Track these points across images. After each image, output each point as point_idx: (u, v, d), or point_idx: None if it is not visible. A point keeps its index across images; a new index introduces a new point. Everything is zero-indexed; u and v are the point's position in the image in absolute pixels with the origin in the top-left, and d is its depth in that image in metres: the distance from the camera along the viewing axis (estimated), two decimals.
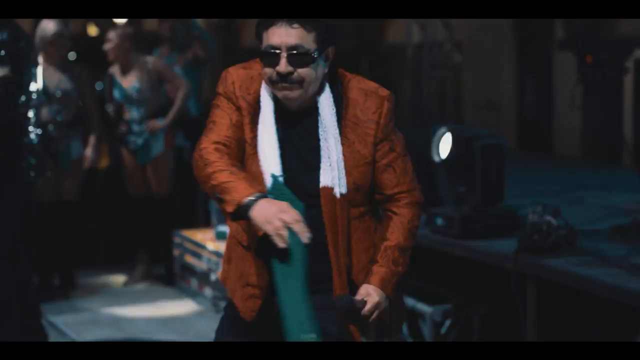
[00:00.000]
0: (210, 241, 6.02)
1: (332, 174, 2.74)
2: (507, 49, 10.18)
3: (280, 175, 2.71)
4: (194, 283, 6.12)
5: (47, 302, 5.59)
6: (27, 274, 4.93)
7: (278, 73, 2.69)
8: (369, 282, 2.80)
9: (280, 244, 2.56)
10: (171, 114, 6.13)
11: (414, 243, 2.90)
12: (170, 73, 6.23)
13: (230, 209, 2.60)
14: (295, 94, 2.71)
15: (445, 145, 4.67)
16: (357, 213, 2.83)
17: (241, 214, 2.60)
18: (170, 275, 6.36)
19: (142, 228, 6.37)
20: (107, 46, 6.06)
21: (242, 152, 2.78)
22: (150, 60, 6.15)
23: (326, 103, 2.77)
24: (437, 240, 4.72)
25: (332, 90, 2.80)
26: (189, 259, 6.13)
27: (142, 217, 6.36)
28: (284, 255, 2.59)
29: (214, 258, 5.83)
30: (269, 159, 2.73)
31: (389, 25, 11.06)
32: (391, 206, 2.87)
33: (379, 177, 2.83)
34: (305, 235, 2.57)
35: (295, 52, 2.68)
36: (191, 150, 6.83)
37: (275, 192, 2.67)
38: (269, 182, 2.70)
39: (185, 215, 6.76)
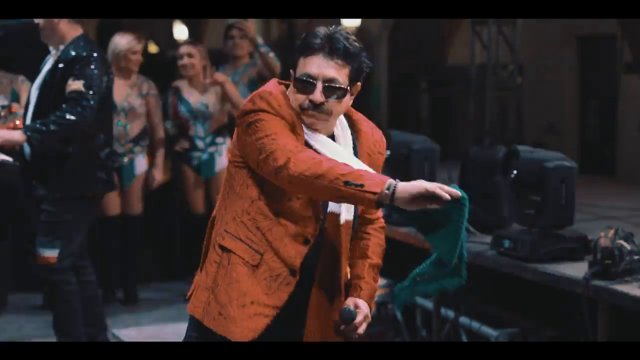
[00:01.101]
0: None
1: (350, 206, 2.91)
2: (570, 71, 10.06)
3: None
4: None
5: (111, 316, 5.62)
6: (93, 286, 4.97)
7: (311, 101, 2.81)
8: (358, 297, 3.03)
9: (453, 194, 2.73)
10: None
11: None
12: (235, 94, 6.17)
13: (378, 189, 2.64)
14: (320, 123, 2.86)
15: (513, 167, 4.59)
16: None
17: (385, 194, 2.66)
18: None
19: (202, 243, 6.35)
20: (185, 61, 6.06)
21: None
22: (222, 77, 6.18)
23: (342, 134, 2.94)
24: (504, 262, 4.63)
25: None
26: None
27: (202, 232, 6.33)
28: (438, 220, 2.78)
29: None
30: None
31: (451, 46, 10.99)
32: (368, 228, 3.13)
33: None
34: (455, 194, 2.74)
35: (330, 84, 2.81)
36: None
37: None
38: None
39: None
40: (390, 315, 5.49)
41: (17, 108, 5.57)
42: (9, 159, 4.63)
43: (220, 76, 6.08)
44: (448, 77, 11.30)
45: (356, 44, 2.87)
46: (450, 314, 5.20)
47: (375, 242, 3.15)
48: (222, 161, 6.17)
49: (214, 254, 2.97)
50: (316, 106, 2.82)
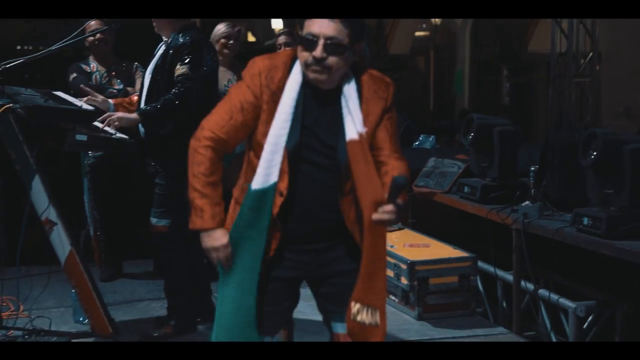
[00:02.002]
0: None
1: (355, 128, 3.02)
2: None
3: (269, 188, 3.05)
4: None
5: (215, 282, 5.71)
6: (198, 255, 5.07)
7: (314, 57, 2.96)
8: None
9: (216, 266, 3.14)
10: None
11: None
12: None
13: (192, 226, 3.13)
14: (323, 76, 2.99)
15: (593, 149, 4.52)
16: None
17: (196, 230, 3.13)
18: None
19: None
20: (281, 50, 6.12)
21: (237, 142, 3.14)
22: None
23: (350, 85, 3.05)
24: (582, 238, 4.58)
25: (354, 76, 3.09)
26: None
27: None
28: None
29: None
30: (281, 132, 3.02)
31: (532, 35, 10.82)
32: (386, 160, 3.14)
33: (376, 135, 3.10)
34: (226, 268, 3.12)
35: (330, 42, 2.95)
36: None
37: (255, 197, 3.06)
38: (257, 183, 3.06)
39: None
40: (473, 286, 5.47)
41: (132, 91, 5.72)
42: (126, 137, 4.76)
43: None
44: (528, 64, 11.13)
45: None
46: (530, 286, 5.16)
47: (397, 163, 3.12)
48: None
49: (231, 203, 3.25)
50: (318, 62, 2.96)
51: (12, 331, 4.63)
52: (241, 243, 3.10)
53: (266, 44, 17.09)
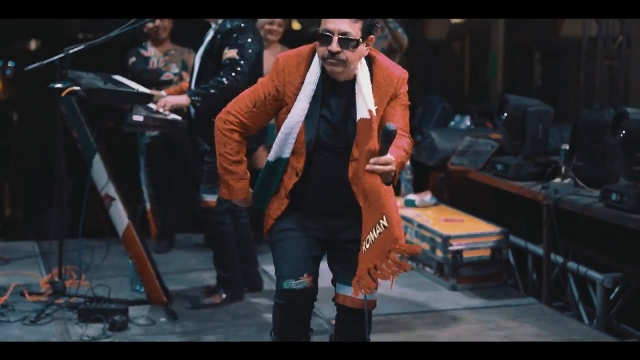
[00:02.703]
0: (399, 207, 6.01)
1: (366, 107, 3.09)
2: None
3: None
4: None
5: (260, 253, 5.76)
6: (245, 228, 5.12)
7: (329, 51, 3.09)
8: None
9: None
10: None
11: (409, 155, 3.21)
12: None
13: (222, 195, 3.34)
14: (339, 69, 3.12)
15: (622, 127, 4.47)
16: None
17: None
18: None
19: None
20: None
21: (256, 129, 3.29)
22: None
23: (361, 75, 3.15)
24: (610, 214, 4.54)
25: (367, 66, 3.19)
26: None
27: None
28: None
29: (403, 222, 5.83)
30: (297, 120, 3.16)
31: (563, 21, 10.66)
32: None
33: (385, 114, 3.17)
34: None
35: (344, 37, 3.08)
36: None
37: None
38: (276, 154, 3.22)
39: None
40: (504, 259, 5.46)
41: (186, 75, 5.77)
42: (179, 117, 4.81)
43: None
44: (560, 48, 10.96)
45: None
46: (559, 259, 5.14)
47: (403, 139, 3.15)
48: None
49: None
50: (333, 55, 3.09)
51: (74, 298, 4.73)
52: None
53: (310, 31, 17.07)
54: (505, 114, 5.55)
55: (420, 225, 5.64)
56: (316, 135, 3.17)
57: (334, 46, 3.09)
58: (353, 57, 3.11)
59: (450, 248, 5.33)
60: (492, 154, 5.84)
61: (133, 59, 5.86)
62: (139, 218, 5.93)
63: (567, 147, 5.20)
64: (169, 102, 4.74)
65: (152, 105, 4.73)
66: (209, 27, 4.87)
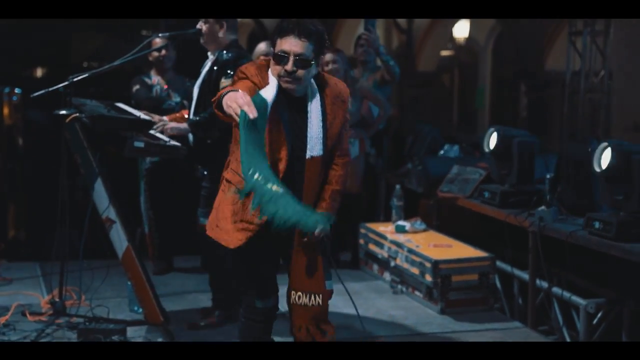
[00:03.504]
0: (390, 233, 6.01)
1: (315, 146, 3.33)
2: None
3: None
4: (375, 268, 6.13)
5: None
6: None
7: (285, 70, 3.27)
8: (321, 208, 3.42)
9: (235, 117, 3.04)
10: (373, 126, 6.24)
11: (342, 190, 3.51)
12: (374, 95, 6.25)
13: (215, 102, 3.20)
14: (294, 86, 3.30)
15: (605, 158, 4.47)
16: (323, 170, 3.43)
17: (221, 104, 3.14)
18: (356, 260, 6.40)
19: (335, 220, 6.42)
20: (330, 67, 6.04)
21: None
22: (359, 81, 6.22)
23: (315, 97, 3.35)
24: (594, 241, 4.53)
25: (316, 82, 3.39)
26: (372, 247, 6.15)
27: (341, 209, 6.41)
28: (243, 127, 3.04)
29: (393, 247, 5.82)
30: (269, 90, 3.23)
31: (548, 54, 10.73)
32: (337, 160, 3.49)
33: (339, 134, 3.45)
34: (252, 113, 3.01)
35: (299, 57, 3.26)
36: (376, 156, 6.83)
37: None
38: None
39: (369, 210, 6.77)
40: (491, 284, 5.43)
41: (187, 104, 5.76)
42: (178, 144, 4.79)
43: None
44: (545, 81, 11.03)
45: (319, 27, 3.32)
46: (544, 284, 5.12)
47: (339, 173, 3.49)
48: (354, 151, 6.17)
49: (222, 184, 3.49)
50: (289, 74, 3.27)
51: (74, 318, 4.69)
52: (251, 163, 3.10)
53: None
54: (493, 144, 5.55)
55: (410, 250, 5.62)
56: (289, 141, 3.32)
57: (290, 66, 3.26)
58: (307, 76, 3.31)
59: (440, 272, 5.30)
60: (480, 182, 5.84)
61: (137, 87, 5.87)
62: (138, 240, 5.91)
63: (552, 176, 5.20)
64: (168, 126, 4.74)
65: (153, 132, 4.72)
66: (205, 57, 4.87)
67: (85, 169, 4.65)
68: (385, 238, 5.96)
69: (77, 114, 4.52)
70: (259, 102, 3.16)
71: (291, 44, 3.27)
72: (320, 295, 3.45)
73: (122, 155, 4.67)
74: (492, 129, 5.65)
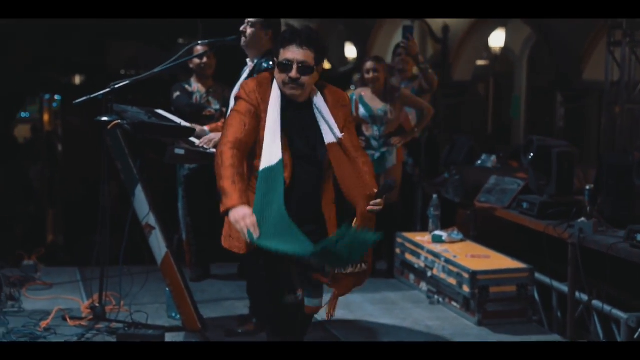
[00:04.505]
0: (427, 243, 5.98)
1: (333, 134, 3.54)
2: None
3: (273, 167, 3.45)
4: (411, 278, 6.10)
5: None
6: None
7: (290, 78, 3.49)
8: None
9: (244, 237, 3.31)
10: (419, 127, 6.23)
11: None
12: (416, 99, 6.25)
13: (221, 209, 3.35)
14: (298, 92, 3.51)
15: None
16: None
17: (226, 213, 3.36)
18: (392, 269, 6.38)
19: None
20: (371, 75, 6.06)
21: (252, 143, 3.50)
22: (399, 89, 6.22)
23: (318, 97, 3.57)
24: (635, 254, 4.47)
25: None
26: (409, 257, 6.13)
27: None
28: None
29: (430, 257, 5.79)
30: (273, 135, 3.47)
31: (587, 64, 10.62)
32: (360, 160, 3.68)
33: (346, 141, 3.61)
34: (256, 233, 3.27)
35: (302, 65, 3.48)
36: (413, 165, 6.80)
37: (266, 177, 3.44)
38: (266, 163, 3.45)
39: (405, 220, 6.74)
40: (530, 296, 5.38)
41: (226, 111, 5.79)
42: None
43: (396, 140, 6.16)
44: (582, 91, 10.91)
45: (319, 36, 3.57)
46: (584, 297, 5.05)
47: (365, 160, 3.68)
48: (392, 160, 6.17)
49: None
50: (293, 81, 3.48)
51: (113, 323, 4.72)
52: (264, 211, 3.38)
53: (341, 71, 17.14)
54: (532, 154, 5.50)
55: (447, 261, 5.59)
56: (292, 144, 3.51)
57: (294, 73, 3.48)
58: (310, 82, 3.52)
59: (477, 283, 5.26)
60: (518, 193, 5.79)
61: (177, 93, 5.91)
62: (175, 247, 5.93)
63: (591, 187, 5.14)
64: (213, 139, 4.74)
65: (193, 139, 4.74)
66: (244, 64, 4.89)
67: (125, 176, 4.68)
68: (422, 248, 5.94)
69: (119, 121, 4.55)
70: (265, 178, 3.44)
71: (294, 53, 3.49)
72: (366, 263, 3.62)
73: (162, 162, 4.69)
74: (530, 139, 5.60)
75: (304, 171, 3.55)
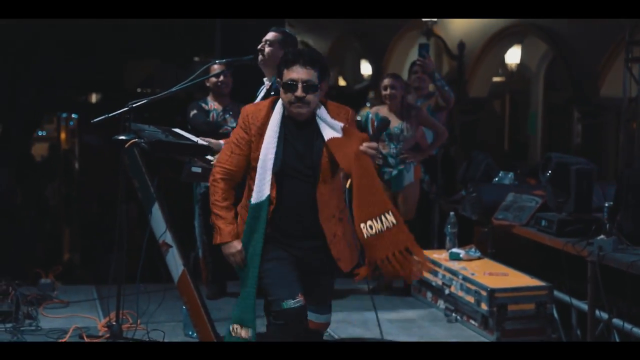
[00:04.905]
0: (444, 260, 5.96)
1: (334, 129, 3.64)
2: None
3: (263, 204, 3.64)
4: (429, 295, 6.07)
5: None
6: None
7: (296, 97, 3.60)
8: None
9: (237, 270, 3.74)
10: (429, 150, 6.24)
11: None
12: (432, 120, 6.26)
13: (215, 242, 3.74)
14: (304, 110, 3.63)
15: None
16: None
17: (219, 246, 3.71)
18: (408, 287, 6.35)
19: None
20: (389, 92, 6.08)
21: (243, 169, 3.70)
22: (416, 107, 6.22)
23: (321, 113, 3.68)
24: None
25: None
26: (426, 275, 6.09)
27: None
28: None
29: (448, 275, 5.77)
30: (268, 156, 3.61)
31: (604, 80, 10.59)
32: None
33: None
34: (242, 266, 3.71)
35: (306, 84, 3.60)
36: (430, 183, 6.77)
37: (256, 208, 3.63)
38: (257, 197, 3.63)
39: (422, 237, 6.71)
40: (549, 314, 5.34)
41: None
42: None
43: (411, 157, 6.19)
44: (600, 108, 10.87)
45: (320, 55, 3.71)
46: (604, 315, 5.01)
47: None
48: (409, 177, 6.17)
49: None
50: (299, 99, 3.59)
51: (131, 342, 4.72)
52: (248, 247, 3.67)
53: (356, 88, 17.17)
54: (550, 171, 5.48)
55: (465, 278, 5.56)
56: (285, 165, 3.61)
57: (300, 92, 3.59)
58: (314, 100, 3.63)
59: (495, 301, 5.23)
60: (536, 210, 5.76)
61: (194, 112, 5.94)
62: (192, 265, 5.94)
63: (610, 204, 5.10)
64: None
65: (209, 157, 4.76)
66: (260, 84, 4.91)
67: (142, 194, 4.69)
68: (439, 265, 5.91)
69: (136, 139, 4.57)
70: (251, 253, 3.67)
71: (298, 73, 3.61)
72: (391, 213, 3.54)
73: (177, 180, 4.71)
74: (548, 156, 5.58)
75: (298, 190, 3.64)
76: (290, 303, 3.59)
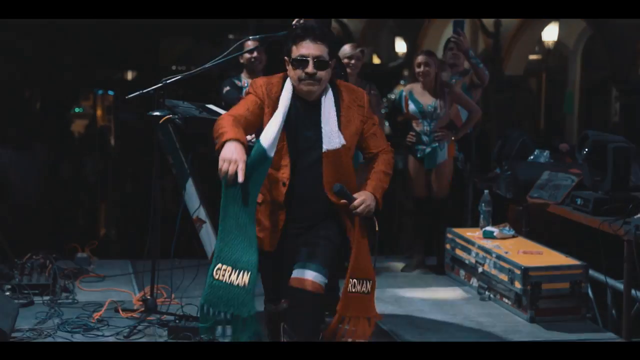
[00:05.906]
0: (477, 239, 5.91)
1: (331, 141, 3.49)
2: None
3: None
4: (462, 273, 6.04)
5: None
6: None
7: (306, 73, 3.43)
8: (363, 189, 3.55)
9: (221, 176, 3.31)
10: (462, 130, 6.18)
11: (391, 173, 3.65)
12: (466, 99, 6.20)
13: (217, 147, 3.31)
14: (315, 87, 3.46)
15: None
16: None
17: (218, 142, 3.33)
18: (442, 265, 6.32)
19: (421, 224, 6.38)
20: (423, 69, 6.03)
21: (252, 128, 3.50)
22: (450, 84, 6.16)
23: (327, 97, 3.52)
24: None
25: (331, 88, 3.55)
26: (459, 253, 6.06)
27: (422, 214, 6.37)
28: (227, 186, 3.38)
29: (481, 253, 5.72)
30: (270, 132, 3.42)
31: None
32: (376, 157, 3.64)
33: (367, 142, 3.62)
34: (240, 175, 3.26)
35: (317, 60, 3.43)
36: (464, 161, 6.73)
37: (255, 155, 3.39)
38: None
39: (456, 215, 6.67)
40: (584, 293, 5.28)
41: None
42: None
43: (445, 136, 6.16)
44: (638, 85, 10.68)
45: (330, 30, 3.60)
46: None
47: (380, 159, 3.63)
48: (442, 155, 6.13)
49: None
50: (310, 76, 3.43)
51: (164, 316, 4.77)
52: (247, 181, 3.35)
53: (390, 66, 17.07)
54: (586, 149, 5.40)
55: (499, 257, 5.51)
56: (296, 147, 3.48)
57: (311, 68, 3.43)
58: (325, 77, 3.47)
59: (529, 280, 5.19)
60: (572, 189, 5.68)
61: (227, 88, 5.94)
62: None
63: None
64: None
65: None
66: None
67: (177, 170, 4.72)
68: (472, 244, 5.87)
69: (171, 116, 4.59)
70: (258, 152, 3.39)
71: (309, 48, 3.44)
72: (370, 282, 3.59)
73: (211, 156, 4.71)
74: (585, 134, 5.49)
75: (307, 172, 3.52)
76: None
